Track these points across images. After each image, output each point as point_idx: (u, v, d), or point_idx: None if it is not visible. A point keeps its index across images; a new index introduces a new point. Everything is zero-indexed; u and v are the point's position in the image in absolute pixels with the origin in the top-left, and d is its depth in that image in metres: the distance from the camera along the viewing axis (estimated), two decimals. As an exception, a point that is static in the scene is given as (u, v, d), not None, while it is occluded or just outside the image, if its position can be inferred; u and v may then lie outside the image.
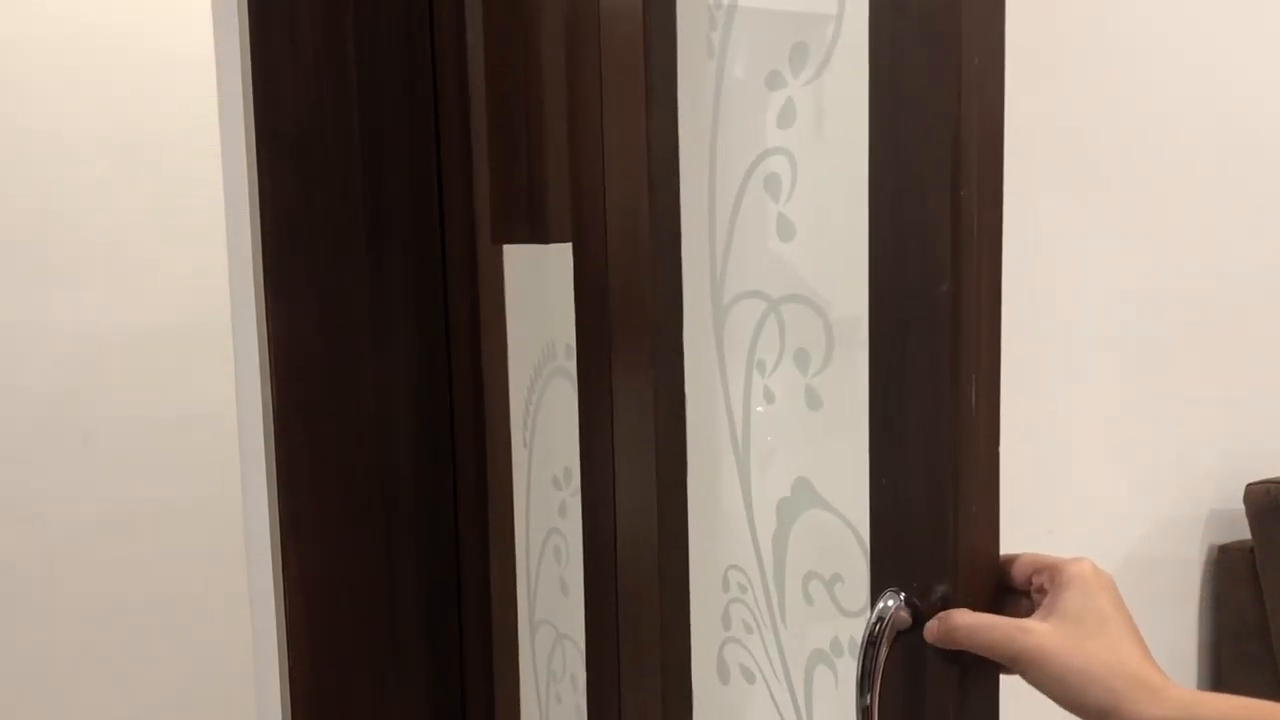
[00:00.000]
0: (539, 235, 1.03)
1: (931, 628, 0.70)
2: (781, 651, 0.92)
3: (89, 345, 2.39)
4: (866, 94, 0.73)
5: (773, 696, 0.92)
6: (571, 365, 1.04)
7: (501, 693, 1.18)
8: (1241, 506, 1.57)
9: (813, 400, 0.86)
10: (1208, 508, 1.62)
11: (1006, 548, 0.73)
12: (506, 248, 1.13)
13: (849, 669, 0.84)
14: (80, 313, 2.38)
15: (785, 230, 0.87)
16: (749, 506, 0.92)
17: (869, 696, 0.70)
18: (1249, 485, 1.56)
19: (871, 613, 0.71)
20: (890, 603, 0.71)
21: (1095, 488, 1.47)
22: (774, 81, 0.86)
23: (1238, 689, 1.78)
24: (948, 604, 0.70)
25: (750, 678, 0.94)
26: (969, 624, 0.69)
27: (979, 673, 0.70)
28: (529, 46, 1.02)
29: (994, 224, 0.70)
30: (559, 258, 1.04)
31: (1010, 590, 0.73)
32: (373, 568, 1.16)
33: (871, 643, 0.70)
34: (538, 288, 1.14)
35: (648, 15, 0.90)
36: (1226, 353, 1.66)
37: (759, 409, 0.91)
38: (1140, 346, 1.58)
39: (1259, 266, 1.69)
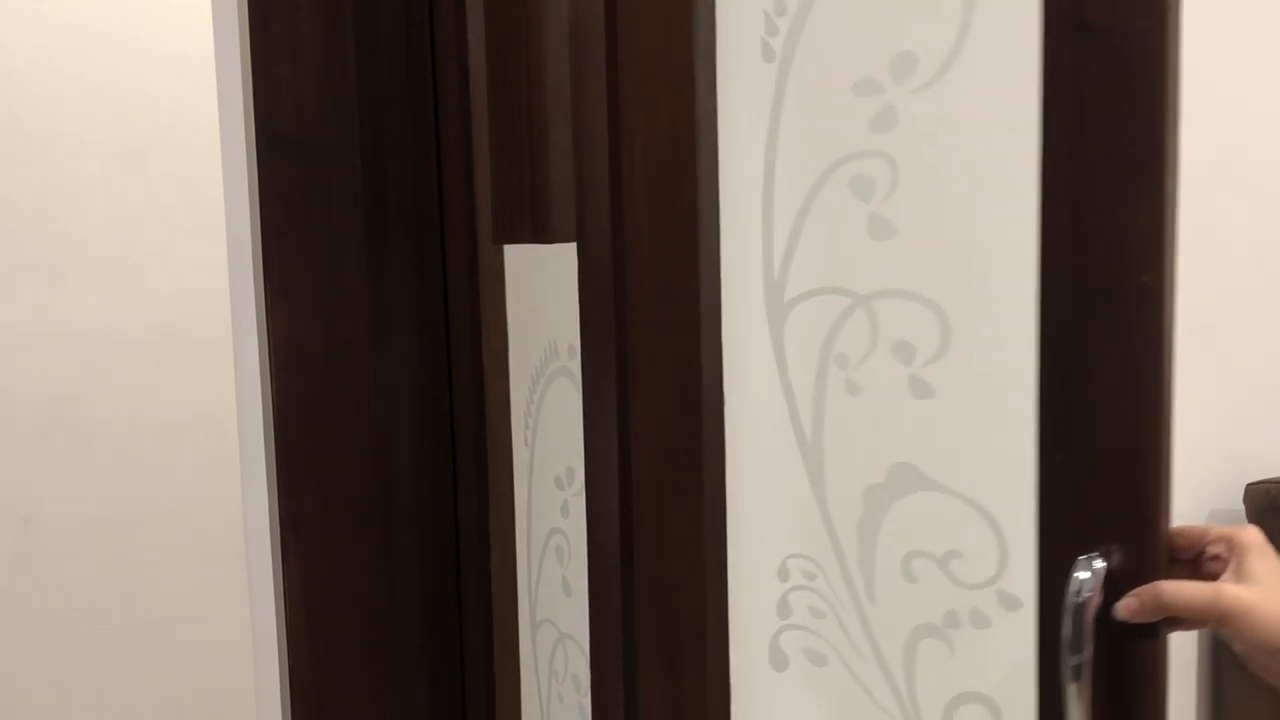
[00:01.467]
0: (542, 235, 1.02)
1: (1130, 605, 0.79)
2: (869, 630, 0.97)
3: (89, 345, 2.39)
4: (999, 102, 0.83)
5: (854, 673, 0.98)
6: (574, 365, 1.04)
7: (502, 692, 1.18)
8: (1241, 506, 1.57)
9: (919, 389, 0.91)
10: (1208, 508, 1.62)
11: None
12: (507, 246, 1.13)
13: (970, 639, 0.92)
14: (80, 313, 2.38)
15: (881, 229, 0.91)
16: (820, 496, 0.97)
17: (1079, 657, 0.80)
18: (1249, 485, 1.56)
19: (1073, 579, 0.81)
20: (1097, 565, 0.80)
21: (1095, 487, 1.47)
22: (866, 88, 0.91)
23: (1237, 689, 1.78)
24: (1139, 566, 0.80)
25: (821, 661, 0.99)
26: (1175, 590, 0.78)
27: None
28: (531, 45, 1.02)
29: (1175, 216, 0.82)
30: (560, 257, 1.04)
31: (1175, 560, 0.84)
32: (373, 568, 1.16)
33: (1079, 607, 0.80)
34: (539, 287, 1.13)
35: (688, 16, 0.91)
36: (1227, 353, 1.66)
37: (839, 401, 0.95)
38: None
39: (1260, 266, 1.69)
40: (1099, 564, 0.80)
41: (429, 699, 1.20)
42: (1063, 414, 0.82)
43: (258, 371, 1.14)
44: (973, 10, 0.85)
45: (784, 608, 0.99)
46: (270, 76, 1.09)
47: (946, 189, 0.89)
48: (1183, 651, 1.70)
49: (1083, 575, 0.80)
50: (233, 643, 1.96)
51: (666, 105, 0.92)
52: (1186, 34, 1.61)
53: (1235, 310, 1.67)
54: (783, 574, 0.99)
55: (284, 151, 1.10)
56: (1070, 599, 0.80)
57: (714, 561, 0.96)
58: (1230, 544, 0.82)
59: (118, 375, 2.42)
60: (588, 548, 1.00)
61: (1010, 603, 0.89)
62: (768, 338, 0.96)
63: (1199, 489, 1.61)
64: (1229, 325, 1.66)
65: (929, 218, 0.89)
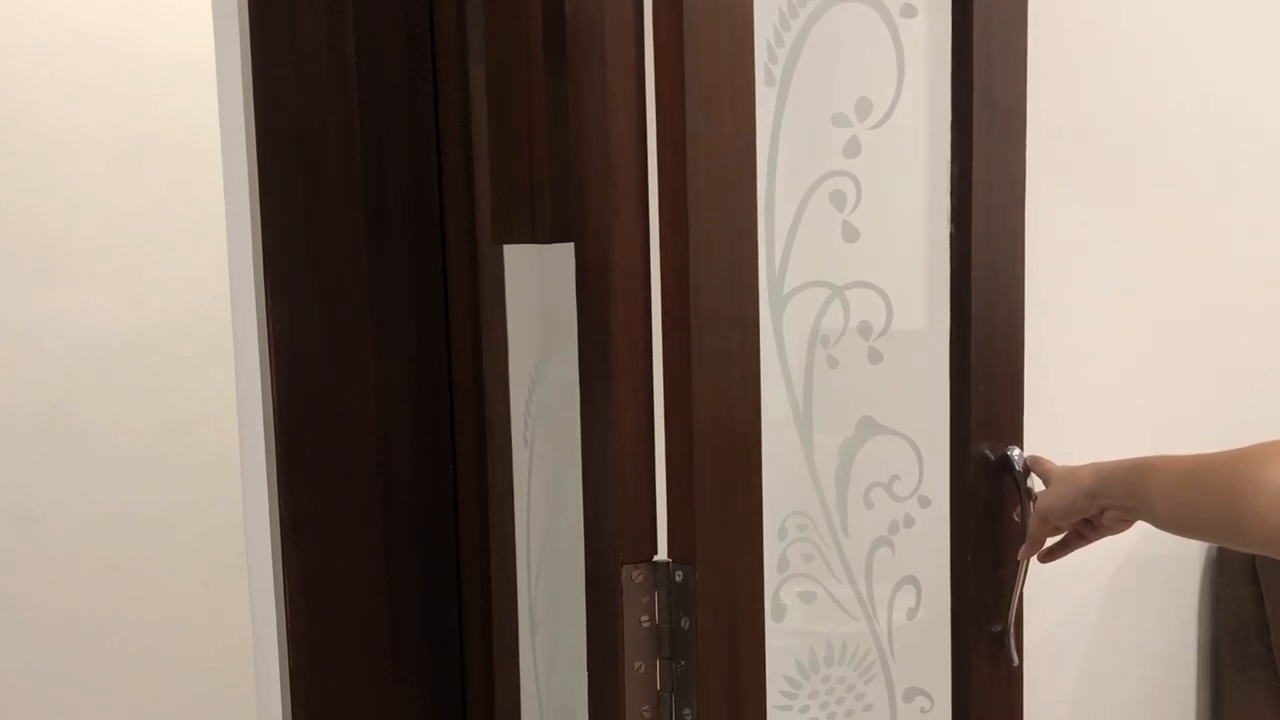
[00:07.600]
0: (540, 235, 1.03)
1: (1023, 549, 1.18)
2: (844, 557, 1.18)
3: (89, 345, 2.39)
4: (921, 142, 1.16)
5: (834, 597, 1.18)
6: (572, 364, 1.04)
7: (501, 692, 1.18)
8: (1241, 506, 1.57)
9: (874, 357, 1.16)
10: (1207, 507, 1.62)
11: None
12: (506, 246, 1.14)
13: (904, 538, 1.20)
14: (80, 313, 2.38)
15: (850, 234, 1.14)
16: (810, 458, 1.15)
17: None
18: (1249, 484, 1.56)
19: (1014, 454, 1.19)
20: (1018, 450, 1.19)
21: (1095, 487, 1.48)
22: (840, 121, 1.13)
23: (1237, 688, 1.79)
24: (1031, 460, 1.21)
25: (810, 599, 1.16)
26: (1029, 532, 1.18)
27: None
28: (531, 45, 1.02)
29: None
30: (559, 257, 1.04)
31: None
32: (373, 568, 1.16)
33: (1022, 470, 1.18)
34: (538, 287, 1.14)
35: (749, 26, 0.95)
36: (1227, 351, 1.66)
37: (823, 374, 1.15)
38: (1141, 344, 1.58)
39: (1261, 266, 1.69)
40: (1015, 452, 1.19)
41: (429, 699, 1.20)
42: (985, 351, 1.17)
43: (258, 371, 1.14)
44: (903, 77, 1.14)
45: (783, 563, 1.14)
46: (270, 77, 1.09)
47: (892, 203, 1.17)
48: (1183, 652, 1.70)
49: (1016, 453, 1.19)
50: (233, 643, 1.96)
51: (729, 114, 0.94)
52: (1191, 44, 1.63)
53: (1236, 309, 1.67)
54: (783, 534, 1.14)
55: (284, 151, 1.10)
56: (1015, 467, 1.19)
57: (756, 543, 0.99)
58: (1043, 474, 1.19)
59: (118, 375, 2.42)
60: (585, 546, 1.00)
61: (925, 503, 1.19)
62: (770, 327, 1.10)
63: (1199, 488, 1.61)
64: (1229, 325, 1.67)
65: (880, 224, 1.16)
